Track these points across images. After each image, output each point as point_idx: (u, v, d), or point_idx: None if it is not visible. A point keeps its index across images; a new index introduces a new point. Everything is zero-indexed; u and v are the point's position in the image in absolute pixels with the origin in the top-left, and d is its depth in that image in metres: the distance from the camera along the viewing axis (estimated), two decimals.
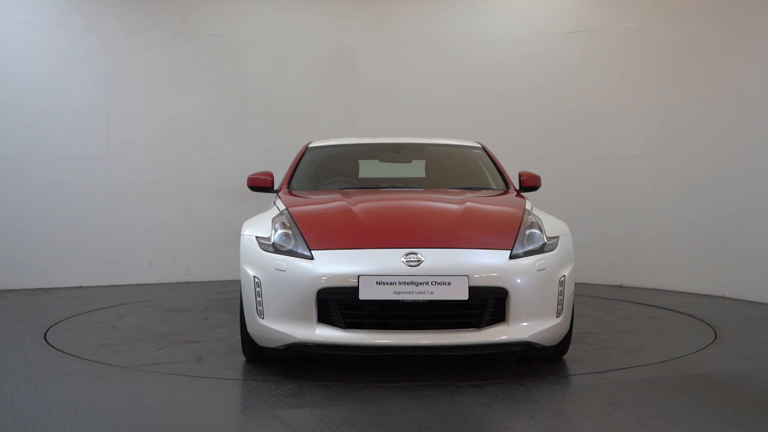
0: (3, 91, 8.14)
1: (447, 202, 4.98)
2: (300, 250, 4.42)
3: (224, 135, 9.02)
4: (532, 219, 4.72)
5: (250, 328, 4.56)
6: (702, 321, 6.40)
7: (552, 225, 4.80)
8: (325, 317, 4.32)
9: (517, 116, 9.07)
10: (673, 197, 8.16)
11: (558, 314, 4.50)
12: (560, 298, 4.50)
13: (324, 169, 6.02)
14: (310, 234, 4.49)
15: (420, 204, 5.10)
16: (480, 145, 6.22)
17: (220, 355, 5.13)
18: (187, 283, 8.74)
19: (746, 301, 7.42)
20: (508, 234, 4.54)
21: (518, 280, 4.35)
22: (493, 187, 5.71)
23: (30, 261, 8.23)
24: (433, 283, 4.24)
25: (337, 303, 4.29)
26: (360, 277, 4.24)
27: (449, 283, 4.25)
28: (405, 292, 4.24)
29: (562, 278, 4.52)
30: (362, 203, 4.88)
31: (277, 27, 9.25)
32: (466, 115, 9.19)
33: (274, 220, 4.69)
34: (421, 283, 4.24)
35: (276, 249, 4.47)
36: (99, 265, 8.45)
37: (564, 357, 5.11)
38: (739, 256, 7.56)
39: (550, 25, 8.98)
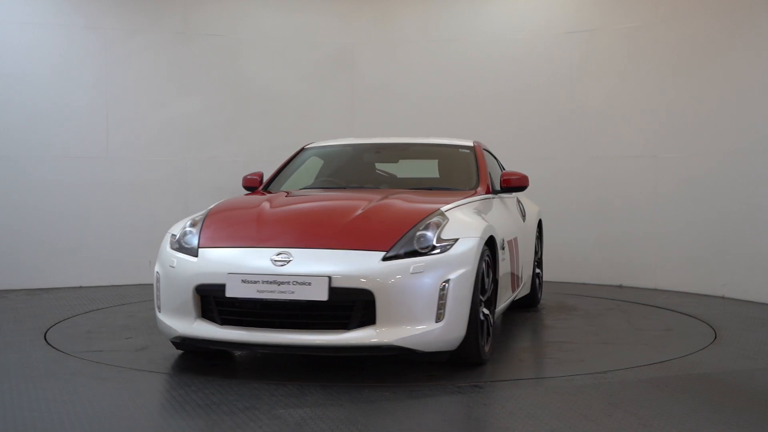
0: (3, 91, 8.14)
1: (361, 201, 4.92)
2: (190, 248, 4.64)
3: (224, 135, 9.02)
4: (434, 220, 4.57)
5: (157, 321, 4.81)
6: (702, 321, 6.40)
7: (467, 226, 4.62)
8: (207, 313, 4.50)
9: (517, 116, 9.07)
10: (673, 197, 8.16)
11: (438, 319, 4.31)
12: (441, 302, 4.31)
13: (310, 170, 6.18)
14: (206, 233, 4.70)
15: (328, 204, 5.12)
16: (472, 145, 6.15)
17: (221, 355, 5.13)
18: None
19: (746, 301, 7.42)
20: (392, 235, 4.45)
21: (387, 283, 4.25)
22: (464, 187, 5.62)
23: (30, 261, 8.23)
24: (294, 283, 4.27)
25: (216, 300, 4.44)
26: (228, 275, 4.35)
27: (310, 284, 4.25)
28: (267, 291, 4.29)
29: (446, 282, 4.33)
30: (279, 205, 4.99)
31: (277, 27, 9.25)
32: (466, 115, 9.19)
33: (192, 219, 4.93)
34: (283, 283, 4.28)
35: (178, 246, 4.72)
36: (99, 265, 8.45)
37: (563, 357, 5.10)
38: (739, 256, 7.56)
39: (550, 25, 8.98)
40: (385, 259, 4.32)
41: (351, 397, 4.14)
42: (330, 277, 4.25)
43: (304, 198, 5.33)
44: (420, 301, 4.29)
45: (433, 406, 3.99)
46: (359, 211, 4.72)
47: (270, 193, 5.69)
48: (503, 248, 5.25)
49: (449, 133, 8.41)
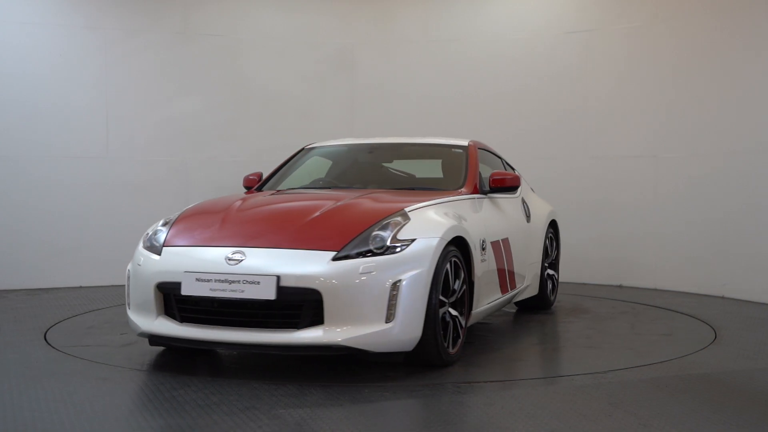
0: (3, 91, 8.14)
1: (329, 201, 4.95)
2: (156, 246, 4.77)
3: (224, 135, 9.02)
4: (394, 220, 4.57)
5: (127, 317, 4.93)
6: (702, 321, 6.40)
7: (428, 227, 4.60)
8: (169, 311, 4.60)
9: (517, 116, 9.07)
10: (673, 197, 8.16)
11: (389, 319, 4.30)
12: (392, 303, 4.30)
13: (310, 170, 6.22)
14: (173, 232, 4.83)
15: (293, 204, 5.13)
16: (466, 144, 6.09)
17: (220, 355, 5.13)
18: None
19: (746, 301, 7.42)
20: (346, 235, 4.45)
21: (334, 283, 4.26)
22: (449, 187, 5.61)
23: (30, 261, 8.23)
24: (244, 282, 4.33)
25: (175, 298, 4.53)
26: (184, 274, 4.45)
27: (259, 283, 4.30)
28: (219, 290, 4.36)
29: (397, 282, 4.31)
30: (248, 206, 5.05)
31: (277, 27, 9.25)
32: (466, 115, 9.19)
33: (165, 219, 5.06)
34: (234, 282, 4.35)
35: (149, 245, 4.86)
36: (99, 265, 8.44)
37: (563, 357, 5.10)
38: (739, 256, 7.56)
39: (550, 25, 8.98)
40: (335, 259, 4.34)
41: (351, 397, 4.14)
42: (279, 277, 4.29)
43: (275, 198, 5.34)
44: (369, 301, 4.28)
45: (433, 406, 3.99)
46: (320, 211, 4.75)
47: (258, 192, 5.77)
48: (484, 249, 5.21)
49: (449, 133, 8.40)
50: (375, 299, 4.29)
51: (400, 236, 4.46)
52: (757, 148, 7.44)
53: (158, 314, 4.61)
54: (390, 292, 4.30)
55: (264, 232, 4.62)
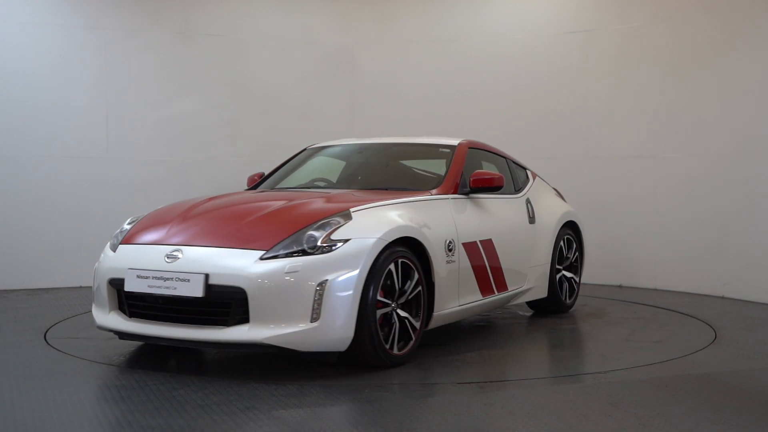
0: (3, 91, 8.15)
1: (281, 201, 5.06)
2: (115, 244, 5.02)
3: (224, 135, 9.02)
4: (332, 220, 4.60)
5: None
6: (702, 321, 6.40)
7: (370, 227, 4.60)
8: (122, 306, 4.81)
9: (517, 116, 9.07)
10: (673, 197, 8.16)
11: (314, 319, 4.33)
12: (317, 302, 4.33)
13: (305, 170, 6.28)
14: (134, 230, 5.05)
15: (243, 205, 5.16)
16: (454, 144, 6.00)
17: (220, 355, 5.13)
18: None
19: (746, 301, 7.42)
20: (279, 235, 4.52)
21: (259, 282, 4.33)
22: (424, 187, 5.58)
23: (30, 261, 8.23)
24: (177, 279, 4.49)
25: (125, 293, 4.73)
26: (127, 270, 4.66)
27: (189, 281, 4.44)
28: (156, 286, 4.54)
29: (323, 282, 4.34)
30: (205, 206, 5.18)
31: (277, 27, 9.25)
32: (466, 115, 9.19)
33: (134, 217, 5.30)
34: (168, 279, 4.51)
35: (111, 242, 5.12)
36: None
37: (563, 357, 5.10)
38: (739, 256, 7.56)
39: (550, 25, 8.98)
40: (263, 258, 4.41)
41: (351, 397, 4.14)
42: (207, 275, 4.41)
43: (237, 199, 5.40)
44: (294, 300, 4.34)
45: (433, 406, 3.99)
46: (266, 211, 4.86)
47: (248, 191, 5.95)
48: (451, 250, 5.17)
49: (449, 133, 8.41)
50: (300, 299, 4.33)
51: (334, 236, 4.49)
52: (756, 148, 7.43)
53: (111, 309, 4.83)
54: (315, 292, 4.34)
55: (205, 232, 4.74)
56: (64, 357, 5.07)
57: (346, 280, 4.39)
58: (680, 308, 7.01)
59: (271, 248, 4.45)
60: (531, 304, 6.69)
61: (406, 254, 4.74)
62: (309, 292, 4.34)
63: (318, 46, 9.37)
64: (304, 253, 4.42)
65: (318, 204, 4.92)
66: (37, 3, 8.33)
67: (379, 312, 4.57)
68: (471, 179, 5.64)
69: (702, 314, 6.68)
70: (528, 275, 6.25)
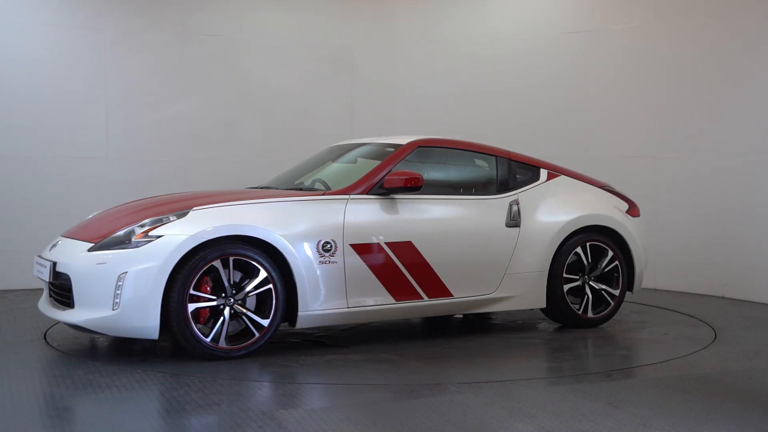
0: (3, 91, 8.14)
1: (180, 200, 5.41)
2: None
3: (224, 135, 9.02)
4: (159, 218, 4.98)
5: None
6: (702, 321, 6.40)
7: (191, 226, 4.89)
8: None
9: (516, 116, 9.07)
10: (673, 197, 8.16)
11: (114, 307, 4.77)
12: (118, 292, 4.75)
13: (306, 169, 6.28)
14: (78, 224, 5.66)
15: (146, 201, 5.70)
16: (401, 143, 5.82)
17: (220, 354, 5.13)
18: None
19: (746, 301, 7.42)
20: (115, 229, 5.05)
21: (78, 270, 4.90)
22: (336, 187, 5.56)
23: (30, 261, 8.18)
24: (42, 265, 5.24)
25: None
26: (36, 257, 5.40)
27: (46, 267, 5.17)
28: (37, 272, 5.33)
29: (123, 274, 4.76)
30: (132, 203, 5.74)
31: (277, 27, 9.25)
32: (466, 114, 9.19)
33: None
34: (41, 265, 5.26)
35: None
36: None
37: (563, 357, 5.09)
38: (739, 256, 7.56)
39: (550, 25, 8.98)
40: (89, 250, 4.96)
41: (351, 397, 4.14)
42: (55, 263, 5.09)
43: (156, 199, 5.73)
44: (101, 289, 4.81)
45: (433, 406, 4.00)
46: (139, 207, 5.38)
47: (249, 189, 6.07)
48: (327, 250, 5.16)
49: (449, 133, 8.40)
50: (105, 287, 4.80)
51: (155, 233, 4.88)
52: (756, 148, 7.43)
53: (46, 295, 5.41)
54: (116, 283, 4.77)
55: (86, 225, 5.46)
56: (64, 357, 5.07)
57: (144, 273, 4.77)
58: (680, 308, 7.01)
59: (99, 241, 4.99)
60: (548, 315, 6.19)
61: (243, 252, 4.94)
62: (111, 283, 4.78)
63: (318, 46, 9.37)
64: (123, 246, 4.87)
65: (179, 203, 5.26)
66: (37, 3, 8.33)
67: (196, 305, 4.85)
68: (384, 180, 5.48)
69: (702, 314, 6.68)
70: (503, 282, 5.81)
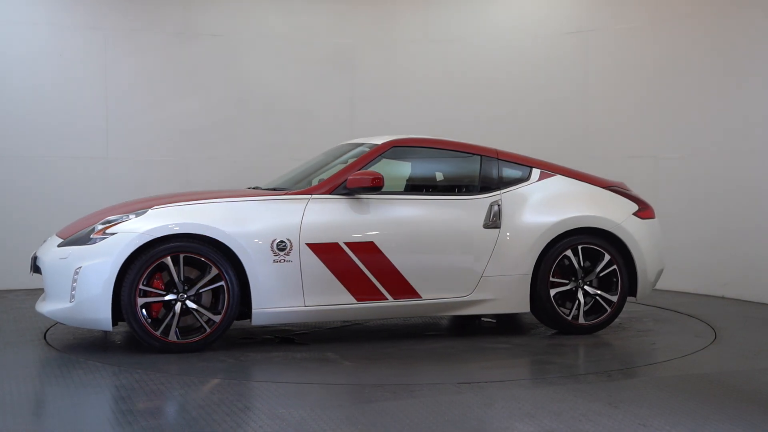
0: (3, 91, 8.14)
1: (152, 200, 5.59)
2: None
3: (224, 135, 9.01)
4: (120, 218, 5.18)
5: None
6: (702, 321, 6.40)
7: (144, 224, 5.07)
8: None
9: (516, 116, 9.07)
10: (673, 197, 8.15)
11: (71, 299, 5.04)
12: (74, 285, 5.02)
13: (313, 168, 6.26)
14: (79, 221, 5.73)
15: (129, 206, 5.70)
16: (375, 144, 5.79)
17: (220, 354, 5.13)
18: None
19: (746, 301, 7.42)
20: (84, 227, 5.29)
21: (47, 265, 5.21)
22: (299, 188, 5.65)
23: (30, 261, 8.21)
24: (32, 258, 5.51)
25: None
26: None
27: (33, 259, 5.49)
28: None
29: (78, 268, 5.01)
30: (142, 198, 5.91)
31: (277, 27, 9.24)
32: (466, 115, 9.19)
33: None
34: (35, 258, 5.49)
35: None
36: None
37: (563, 357, 5.09)
38: (739, 256, 7.56)
39: (550, 25, 8.98)
40: (59, 246, 5.23)
41: (351, 397, 4.14)
42: (36, 257, 5.42)
43: (145, 198, 5.91)
44: (61, 282, 5.09)
45: (433, 406, 4.00)
46: (117, 207, 5.57)
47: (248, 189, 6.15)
48: (282, 249, 5.19)
49: (448, 132, 8.40)
50: (64, 281, 5.07)
51: (111, 230, 5.10)
52: (757, 148, 7.43)
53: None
54: (73, 276, 5.03)
55: (74, 224, 5.59)
56: (64, 357, 5.07)
57: (98, 268, 5.00)
58: (680, 308, 7.01)
59: (68, 237, 5.25)
60: (541, 320, 5.96)
61: (194, 249, 5.09)
62: (69, 276, 5.04)
63: (318, 46, 9.37)
64: (82, 243, 5.11)
65: (148, 203, 5.44)
66: (37, 3, 8.32)
67: (146, 300, 5.05)
68: (348, 180, 5.45)
69: (702, 314, 6.68)
70: (480, 285, 5.64)
